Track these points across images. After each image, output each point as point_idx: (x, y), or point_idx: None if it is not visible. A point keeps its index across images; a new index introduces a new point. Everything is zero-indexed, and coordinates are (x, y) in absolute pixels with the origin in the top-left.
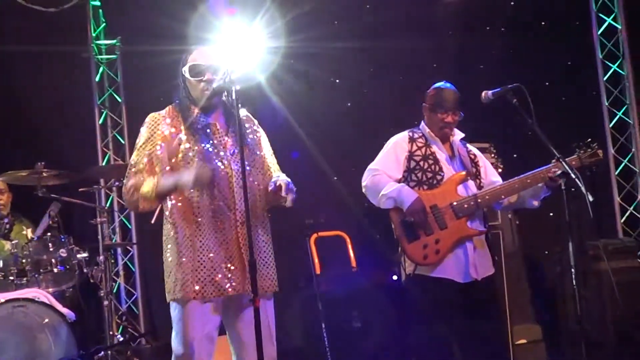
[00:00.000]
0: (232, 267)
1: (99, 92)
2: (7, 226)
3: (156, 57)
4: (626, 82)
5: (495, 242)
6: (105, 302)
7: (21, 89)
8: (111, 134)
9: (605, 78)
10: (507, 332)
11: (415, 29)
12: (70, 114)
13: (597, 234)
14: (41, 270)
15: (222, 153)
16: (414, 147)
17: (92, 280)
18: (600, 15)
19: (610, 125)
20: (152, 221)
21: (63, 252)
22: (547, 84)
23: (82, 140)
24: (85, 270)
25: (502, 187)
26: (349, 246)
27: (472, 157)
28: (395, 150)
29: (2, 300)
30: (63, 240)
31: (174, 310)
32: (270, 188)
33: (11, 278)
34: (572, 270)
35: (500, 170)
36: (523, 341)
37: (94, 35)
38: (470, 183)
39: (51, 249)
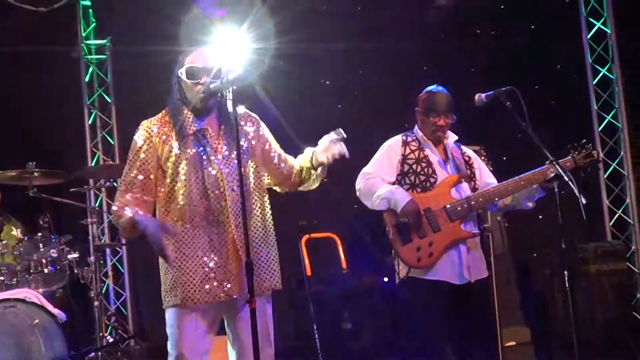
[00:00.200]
0: (227, 271)
1: (88, 93)
2: None
3: (146, 57)
4: (615, 86)
5: (485, 244)
6: (96, 303)
7: (10, 89)
8: (100, 134)
9: (594, 82)
10: (496, 334)
11: (406, 31)
12: (59, 114)
13: (586, 237)
14: (31, 271)
15: (212, 157)
16: (407, 151)
17: (82, 281)
18: (590, 19)
19: (600, 128)
20: None
21: (53, 253)
22: (536, 87)
23: (72, 140)
24: (76, 271)
25: (496, 189)
26: (340, 248)
27: (467, 159)
28: (388, 154)
29: None
30: (53, 240)
31: (167, 315)
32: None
33: (1, 278)
34: (565, 272)
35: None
36: (512, 343)
37: (83, 35)
38: (465, 185)
39: (42, 249)
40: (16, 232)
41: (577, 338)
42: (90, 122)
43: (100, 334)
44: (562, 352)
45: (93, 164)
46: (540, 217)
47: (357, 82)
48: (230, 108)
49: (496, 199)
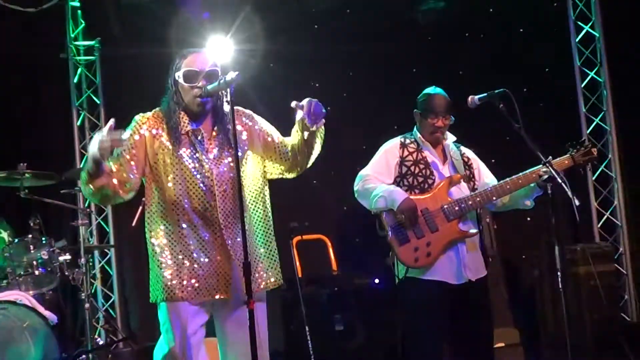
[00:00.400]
0: (214, 272)
1: (77, 94)
2: None
3: (135, 59)
4: (604, 89)
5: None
6: (87, 305)
7: None
8: (89, 135)
9: (582, 85)
10: None
11: (395, 34)
12: (48, 116)
13: (575, 239)
14: (22, 273)
15: (203, 157)
16: (405, 153)
17: (73, 283)
18: (578, 23)
19: (588, 131)
20: (133, 224)
21: (44, 255)
22: (525, 90)
23: (60, 141)
24: (66, 273)
25: (494, 188)
26: (330, 250)
27: (466, 159)
28: (386, 156)
29: None
30: (44, 242)
31: (159, 313)
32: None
33: None
34: (559, 273)
35: None
36: (501, 344)
37: (72, 36)
38: (463, 186)
39: (32, 251)
40: (4, 235)
41: (566, 339)
42: (78, 123)
43: (91, 336)
44: (551, 353)
45: (82, 166)
46: (529, 218)
47: (347, 85)
48: (226, 109)
49: (494, 198)
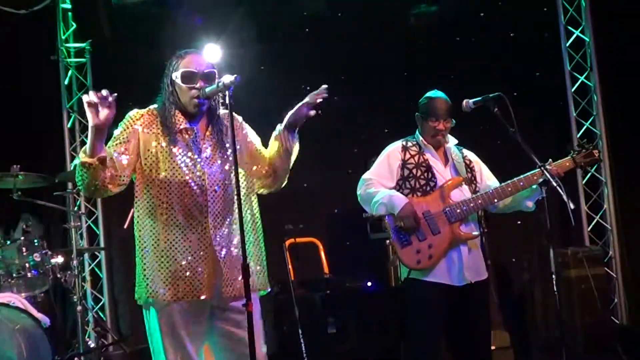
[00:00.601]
0: (200, 272)
1: (67, 96)
2: None
3: (126, 61)
4: (594, 93)
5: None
6: (79, 307)
7: None
8: (80, 138)
9: (573, 89)
10: None
11: (387, 38)
12: (38, 118)
13: (565, 242)
14: (14, 275)
15: (195, 156)
16: (407, 156)
17: (65, 285)
18: (569, 27)
19: (578, 135)
20: (125, 226)
21: (37, 257)
22: (515, 94)
23: (50, 143)
24: (59, 275)
25: (495, 191)
26: (322, 252)
27: (468, 162)
28: (388, 160)
29: None
30: (37, 244)
31: (145, 314)
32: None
33: None
34: (553, 276)
35: None
36: (492, 347)
37: (63, 38)
38: (465, 188)
39: (24, 254)
40: None
41: (560, 341)
42: (69, 125)
43: (83, 339)
44: (542, 355)
45: (72, 168)
46: (519, 222)
47: (338, 88)
48: (221, 111)
49: (495, 200)
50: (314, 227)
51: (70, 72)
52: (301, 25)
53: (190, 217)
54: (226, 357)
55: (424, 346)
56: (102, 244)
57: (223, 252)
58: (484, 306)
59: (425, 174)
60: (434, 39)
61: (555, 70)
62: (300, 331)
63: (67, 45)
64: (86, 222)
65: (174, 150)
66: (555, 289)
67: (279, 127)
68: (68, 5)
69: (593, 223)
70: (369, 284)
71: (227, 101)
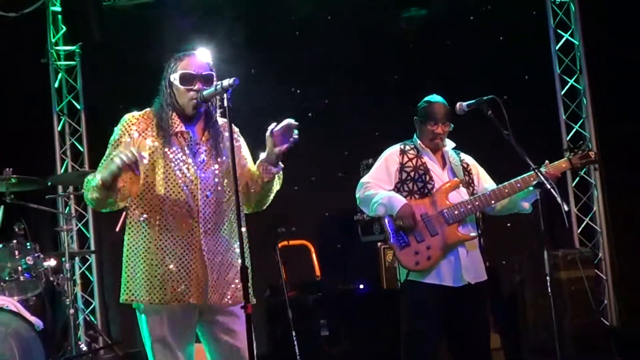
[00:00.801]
0: (187, 277)
1: (57, 99)
2: None
3: (116, 64)
4: (583, 96)
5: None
6: (72, 311)
7: None
8: (70, 141)
9: (562, 92)
10: None
11: (377, 41)
12: (28, 120)
13: (555, 244)
14: (7, 279)
15: (190, 160)
16: (405, 159)
17: (58, 289)
18: (558, 31)
19: (567, 138)
20: (117, 229)
21: (29, 260)
22: (505, 97)
23: (40, 146)
24: (51, 279)
25: (493, 192)
26: (313, 255)
27: (465, 165)
28: (386, 163)
29: None
30: (29, 247)
31: (139, 316)
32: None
33: None
34: (548, 278)
35: None
36: None
37: (53, 41)
38: (463, 190)
39: (17, 257)
40: None
41: (554, 342)
42: (59, 128)
43: (78, 343)
44: (532, 357)
45: (62, 171)
46: (509, 224)
47: (327, 91)
48: (219, 119)
49: (493, 201)
50: (304, 230)
51: (60, 75)
52: (291, 28)
53: (181, 222)
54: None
55: (423, 347)
56: (92, 247)
57: (212, 258)
58: (483, 307)
59: (423, 177)
60: (424, 42)
61: (545, 73)
62: (293, 333)
63: (57, 48)
64: (76, 225)
65: (169, 153)
66: (549, 291)
67: (262, 155)
68: (58, 8)
69: (583, 225)
70: (361, 286)
71: (226, 104)
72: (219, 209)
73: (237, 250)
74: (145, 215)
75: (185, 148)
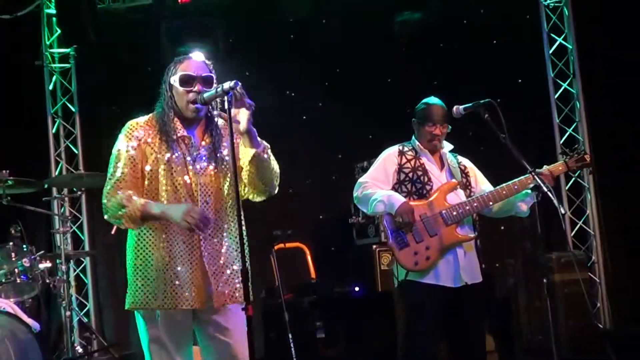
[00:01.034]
0: (189, 282)
1: (52, 101)
2: None
3: (111, 67)
4: (576, 100)
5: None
6: (68, 313)
7: None
8: (64, 143)
9: (556, 96)
10: None
11: (371, 44)
12: (22, 123)
13: (549, 247)
14: (3, 281)
15: (190, 166)
16: (404, 160)
17: (54, 291)
18: (552, 35)
19: (561, 141)
20: (113, 232)
21: (26, 262)
22: (498, 100)
23: (34, 149)
24: (47, 281)
25: (490, 194)
26: (308, 258)
27: (462, 167)
28: (384, 164)
29: None
30: (25, 249)
31: (140, 320)
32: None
33: None
34: (545, 281)
35: None
36: None
37: (47, 43)
38: (460, 192)
39: (13, 259)
40: None
41: (544, 345)
42: (54, 131)
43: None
44: (527, 359)
45: (56, 173)
46: (502, 227)
47: (322, 95)
48: (220, 121)
49: (491, 203)
50: (299, 233)
51: (54, 78)
52: (286, 31)
53: (181, 227)
54: None
55: (423, 347)
56: (87, 249)
57: (212, 263)
58: (480, 308)
59: (422, 178)
60: (418, 46)
61: (539, 76)
62: (290, 335)
63: (52, 50)
64: (71, 227)
65: (171, 159)
66: (546, 293)
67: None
68: (53, 11)
69: (576, 228)
70: (357, 289)
71: (227, 107)
72: (219, 214)
73: (236, 253)
74: (155, 223)
75: (186, 154)
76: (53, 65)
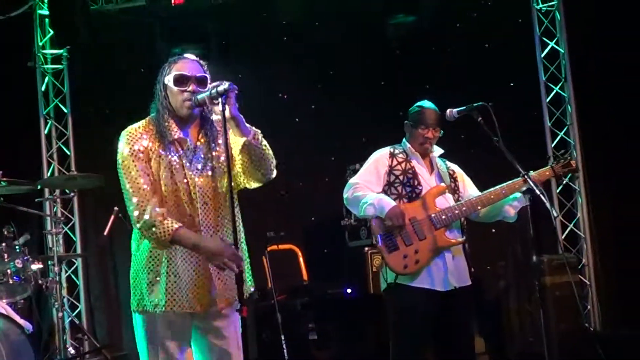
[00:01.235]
0: (195, 284)
1: (44, 102)
2: None
3: (103, 68)
4: (568, 104)
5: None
6: (60, 314)
7: None
8: (56, 144)
9: (547, 99)
10: None
11: (364, 47)
12: (15, 124)
13: (539, 250)
14: None
15: (187, 170)
16: (394, 162)
17: (47, 292)
18: (544, 38)
19: (552, 145)
20: (105, 233)
21: (18, 263)
22: (490, 104)
23: (27, 150)
24: (40, 282)
25: (479, 198)
26: (301, 259)
27: (451, 172)
28: (376, 165)
29: None
30: (18, 250)
31: (140, 322)
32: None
33: None
34: (537, 283)
35: None
36: None
37: (40, 44)
38: (449, 196)
39: (6, 260)
40: None
41: (535, 347)
42: (46, 132)
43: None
44: None
45: (48, 174)
46: (493, 230)
47: (315, 97)
48: (214, 117)
49: (479, 207)
50: (292, 235)
51: (47, 79)
52: (279, 34)
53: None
54: None
55: (410, 350)
56: (78, 251)
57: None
58: (468, 311)
59: (412, 181)
60: (411, 49)
61: (531, 80)
62: (282, 337)
63: (44, 51)
64: (62, 228)
65: (170, 163)
66: (538, 296)
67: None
68: (45, 12)
69: (567, 231)
70: (349, 290)
71: (221, 109)
72: (218, 214)
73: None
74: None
75: (183, 156)
76: (45, 66)
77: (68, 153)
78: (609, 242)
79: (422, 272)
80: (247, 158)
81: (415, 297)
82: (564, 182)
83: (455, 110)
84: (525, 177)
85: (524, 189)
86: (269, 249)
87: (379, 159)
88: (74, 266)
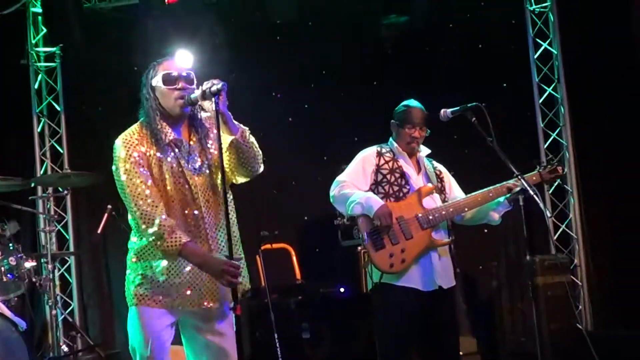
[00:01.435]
0: (195, 280)
1: (37, 100)
2: None
3: (97, 66)
4: (561, 105)
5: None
6: (54, 312)
7: None
8: (49, 142)
9: (540, 100)
10: None
11: (357, 47)
12: (7, 121)
13: (531, 250)
14: None
15: (185, 170)
16: (382, 161)
17: (40, 290)
18: (537, 40)
19: (545, 146)
20: (99, 231)
21: (12, 261)
22: (483, 104)
23: (19, 148)
24: (33, 279)
25: (466, 200)
26: (294, 258)
27: (438, 173)
28: (363, 164)
29: None
30: (12, 248)
31: (135, 316)
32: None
33: None
34: (530, 283)
35: None
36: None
37: (33, 42)
38: (436, 196)
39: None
40: None
41: (527, 347)
42: (39, 130)
43: (60, 344)
44: None
45: (41, 172)
46: (486, 230)
47: (309, 96)
48: (203, 114)
49: (466, 209)
50: (284, 234)
51: (40, 77)
52: (272, 33)
53: (189, 229)
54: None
55: (397, 349)
56: (71, 249)
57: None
58: (453, 311)
59: (399, 180)
60: (404, 49)
61: (523, 81)
62: (275, 336)
63: (37, 49)
64: (55, 226)
65: (168, 164)
66: (531, 296)
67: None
68: (39, 9)
69: (559, 232)
70: (342, 289)
71: (214, 108)
72: (217, 211)
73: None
74: None
75: (180, 157)
76: (38, 64)
77: (61, 151)
78: (601, 242)
79: (408, 272)
80: (235, 155)
81: (401, 296)
82: (557, 182)
83: (449, 110)
84: (519, 177)
85: (517, 189)
86: (262, 247)
87: (366, 158)
88: (67, 264)
